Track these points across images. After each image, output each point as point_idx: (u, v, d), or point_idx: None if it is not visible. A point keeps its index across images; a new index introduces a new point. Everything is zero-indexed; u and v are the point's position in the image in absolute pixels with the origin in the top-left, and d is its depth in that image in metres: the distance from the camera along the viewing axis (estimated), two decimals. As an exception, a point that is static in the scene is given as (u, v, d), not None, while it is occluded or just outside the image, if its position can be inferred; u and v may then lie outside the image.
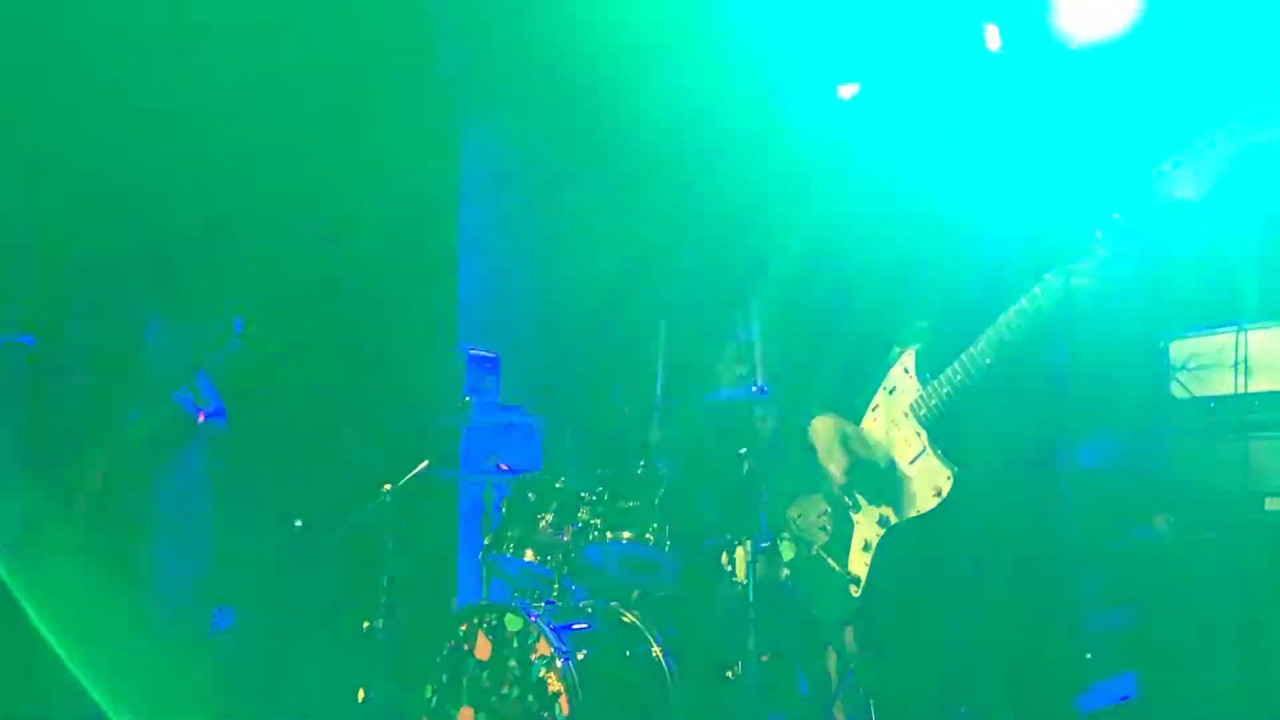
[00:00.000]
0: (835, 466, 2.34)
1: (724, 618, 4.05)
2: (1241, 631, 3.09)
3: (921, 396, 2.26)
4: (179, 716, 4.16)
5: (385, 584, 4.23)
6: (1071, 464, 2.32)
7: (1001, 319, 2.16)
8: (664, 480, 4.00)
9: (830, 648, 4.30)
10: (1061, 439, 2.33)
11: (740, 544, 3.96)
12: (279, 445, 5.42)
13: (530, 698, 3.66)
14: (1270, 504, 3.25)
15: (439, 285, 5.90)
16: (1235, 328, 3.34)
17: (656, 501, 3.96)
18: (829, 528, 2.40)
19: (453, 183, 5.99)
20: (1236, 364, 3.31)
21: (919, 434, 2.26)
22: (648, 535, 3.92)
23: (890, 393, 2.32)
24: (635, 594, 4.35)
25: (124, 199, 4.52)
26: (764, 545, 3.94)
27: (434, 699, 3.88)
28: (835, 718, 3.98)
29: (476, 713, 3.77)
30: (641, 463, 4.14)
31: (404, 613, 4.41)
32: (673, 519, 3.94)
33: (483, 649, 3.82)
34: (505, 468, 4.61)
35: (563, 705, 3.58)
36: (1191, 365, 3.41)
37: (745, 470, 3.84)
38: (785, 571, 4.13)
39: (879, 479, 2.30)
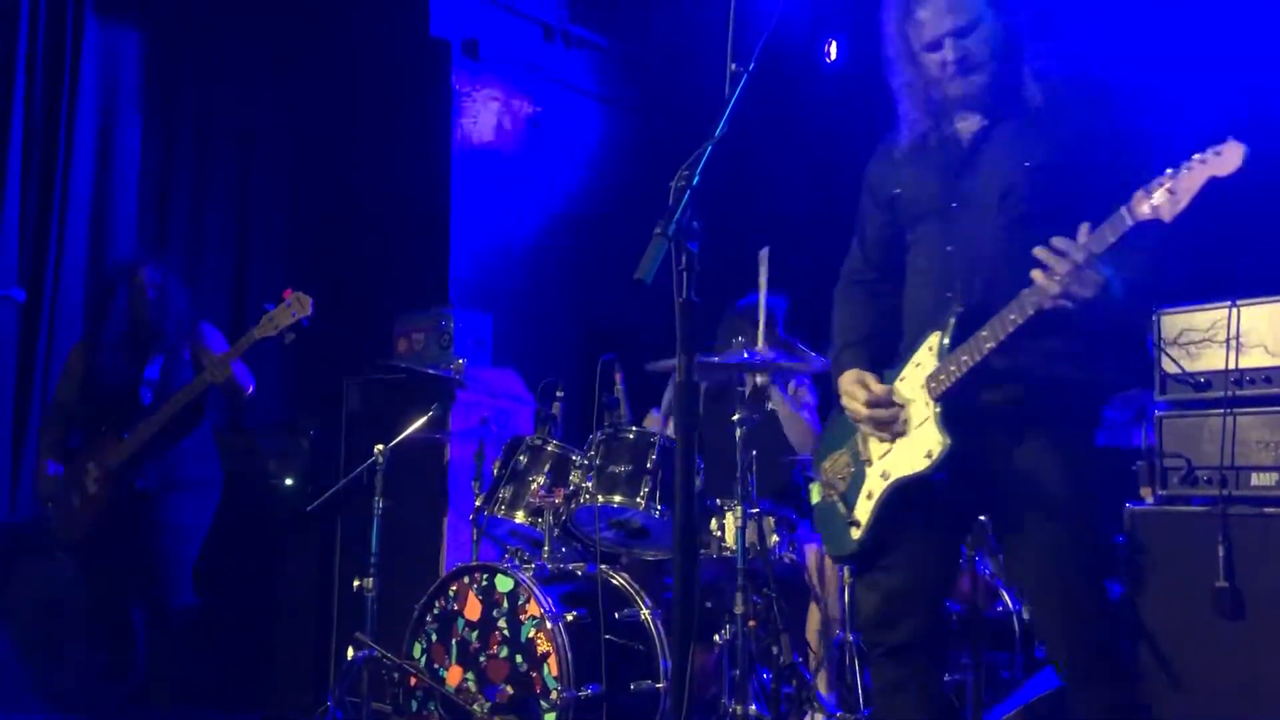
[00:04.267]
0: (859, 419, 2.68)
1: (713, 583, 4.08)
2: (1230, 600, 3.12)
3: (936, 372, 2.57)
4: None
5: (375, 544, 4.24)
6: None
7: (1004, 308, 2.45)
8: (656, 445, 4.00)
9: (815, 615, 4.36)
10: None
11: (730, 510, 3.97)
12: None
13: (519, 658, 3.69)
14: (1256, 479, 3.27)
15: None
16: (1228, 303, 3.34)
17: (649, 465, 3.96)
18: (848, 478, 2.74)
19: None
20: (1228, 339, 3.31)
21: (927, 404, 2.58)
22: (639, 499, 3.93)
23: (916, 366, 2.64)
24: (625, 558, 4.38)
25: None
26: (753, 512, 3.95)
27: (423, 658, 3.90)
28: (816, 684, 4.04)
29: (465, 672, 3.79)
30: (634, 427, 4.14)
31: (394, 573, 4.42)
32: (665, 483, 3.94)
33: (472, 609, 3.84)
34: (497, 430, 4.60)
35: (551, 666, 3.61)
36: (1183, 340, 3.42)
37: (738, 436, 3.85)
38: (774, 539, 4.17)
39: (888, 437, 2.64)
